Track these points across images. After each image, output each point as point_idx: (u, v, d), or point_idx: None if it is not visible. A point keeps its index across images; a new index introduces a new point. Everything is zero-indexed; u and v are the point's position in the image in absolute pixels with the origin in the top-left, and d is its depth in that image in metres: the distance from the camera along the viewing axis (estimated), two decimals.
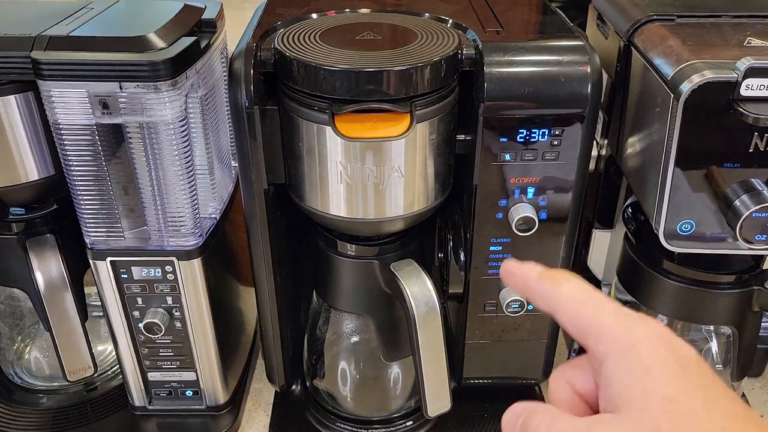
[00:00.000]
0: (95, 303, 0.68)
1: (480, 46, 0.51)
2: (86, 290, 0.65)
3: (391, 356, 0.64)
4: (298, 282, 0.68)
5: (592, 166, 0.57)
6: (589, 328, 0.25)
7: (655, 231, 0.53)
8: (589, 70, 0.50)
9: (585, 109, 0.51)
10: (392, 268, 0.57)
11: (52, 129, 0.53)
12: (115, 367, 0.75)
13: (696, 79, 0.45)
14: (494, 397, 0.71)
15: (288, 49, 0.49)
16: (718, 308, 0.59)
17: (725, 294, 0.58)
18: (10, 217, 0.63)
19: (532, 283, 0.28)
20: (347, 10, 0.60)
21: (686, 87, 0.45)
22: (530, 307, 0.61)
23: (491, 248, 0.58)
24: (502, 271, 0.31)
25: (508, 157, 0.53)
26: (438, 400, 0.59)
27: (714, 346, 0.67)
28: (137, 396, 0.68)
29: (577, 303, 0.26)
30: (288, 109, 0.51)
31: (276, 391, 0.71)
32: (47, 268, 0.61)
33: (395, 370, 0.69)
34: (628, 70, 0.58)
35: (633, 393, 0.23)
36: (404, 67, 0.47)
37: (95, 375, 0.67)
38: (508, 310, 0.59)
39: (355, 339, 0.67)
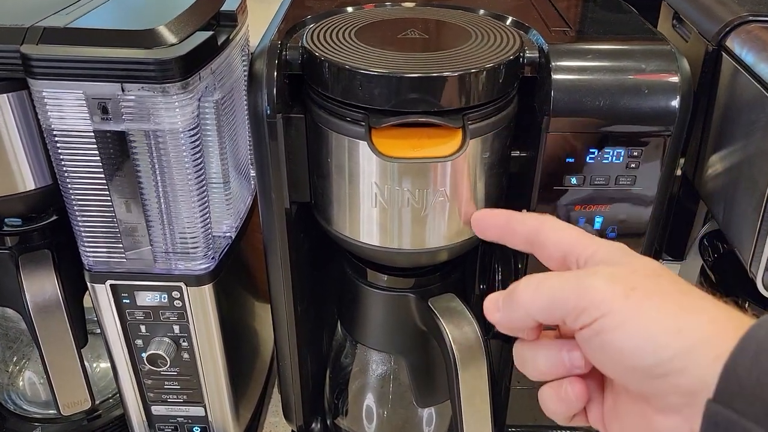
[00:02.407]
0: None
1: (546, 49, 0.43)
2: (87, 303, 0.59)
3: (425, 402, 0.56)
4: (320, 310, 0.61)
5: None
6: (578, 240, 0.31)
7: (751, 274, 0.44)
8: (678, 79, 0.42)
9: (672, 126, 0.42)
10: (430, 304, 0.49)
11: (45, 135, 0.46)
12: None
13: None
14: None
15: (318, 48, 0.42)
16: None
17: None
18: (5, 229, 0.56)
19: (516, 216, 0.35)
20: (388, 3, 0.52)
21: None
22: None
23: None
24: (476, 217, 0.38)
25: (574, 180, 0.44)
26: None
27: None
28: (139, 431, 0.61)
29: (565, 226, 0.33)
30: (316, 119, 0.43)
31: (293, 430, 0.63)
32: (40, 288, 0.54)
33: (428, 412, 0.61)
34: (715, 78, 0.50)
35: (619, 263, 0.29)
36: (457, 73, 0.39)
37: (98, 402, 0.61)
38: None
39: (383, 376, 0.60)
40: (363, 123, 0.40)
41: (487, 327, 0.55)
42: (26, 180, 0.51)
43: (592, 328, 0.27)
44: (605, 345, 0.26)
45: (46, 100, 0.44)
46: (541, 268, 0.49)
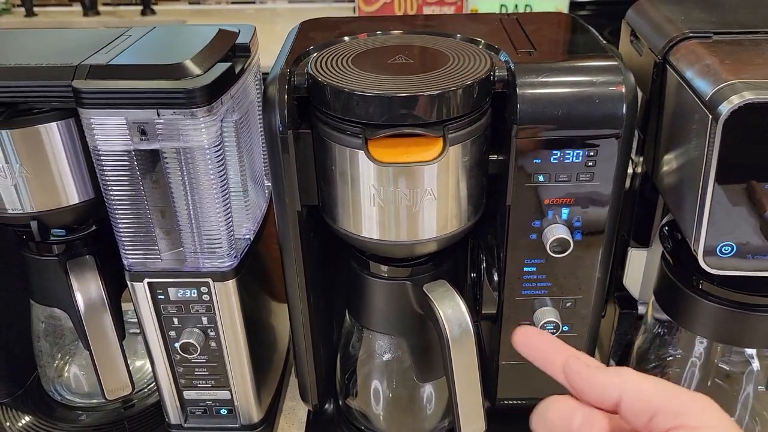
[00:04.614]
0: (132, 320, 0.69)
1: (512, 68, 0.51)
2: (123, 306, 0.67)
3: (424, 377, 0.64)
4: (331, 301, 0.69)
5: (627, 183, 0.56)
6: (668, 405, 0.28)
7: (694, 253, 0.52)
8: (623, 90, 0.49)
9: (620, 129, 0.50)
10: (425, 290, 0.57)
11: (92, 155, 0.54)
12: (152, 385, 0.76)
13: (735, 101, 0.44)
14: (529, 418, 0.70)
15: (321, 74, 0.50)
16: (761, 331, 0.57)
17: None
18: (52, 238, 0.65)
19: (586, 374, 0.30)
20: (378, 32, 0.60)
21: (725, 108, 0.45)
22: (565, 329, 0.60)
23: (525, 269, 0.57)
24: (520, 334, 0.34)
25: (541, 178, 0.52)
26: (472, 423, 0.58)
27: (756, 366, 0.65)
28: (173, 414, 0.69)
29: (650, 386, 0.29)
30: (321, 134, 0.51)
31: (309, 410, 0.71)
32: (87, 288, 0.62)
33: (429, 389, 0.68)
34: (663, 88, 0.57)
35: None
36: (437, 92, 0.47)
37: (133, 392, 0.68)
38: None
39: (388, 358, 0.67)
40: (360, 135, 0.48)
41: (477, 310, 0.63)
42: (70, 195, 0.59)
43: None
44: None
45: (93, 126, 0.52)
46: (518, 255, 0.57)
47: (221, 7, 2.16)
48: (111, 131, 0.52)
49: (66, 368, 0.75)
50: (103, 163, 0.54)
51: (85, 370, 0.74)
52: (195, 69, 0.53)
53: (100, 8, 2.10)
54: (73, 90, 0.51)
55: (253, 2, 2.16)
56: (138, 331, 0.65)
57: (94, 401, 0.74)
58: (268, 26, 1.94)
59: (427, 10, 1.77)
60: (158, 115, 0.52)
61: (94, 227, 0.66)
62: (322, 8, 2.09)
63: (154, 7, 2.09)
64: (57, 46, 0.59)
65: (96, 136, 0.53)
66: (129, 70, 0.53)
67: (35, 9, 2.09)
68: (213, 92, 0.52)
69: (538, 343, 0.33)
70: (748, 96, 0.44)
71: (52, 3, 2.16)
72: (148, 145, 0.53)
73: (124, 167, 0.54)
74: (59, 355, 0.74)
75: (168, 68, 0.53)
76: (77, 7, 2.11)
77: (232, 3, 2.16)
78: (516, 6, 1.65)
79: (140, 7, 2.06)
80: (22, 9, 2.08)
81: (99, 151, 0.54)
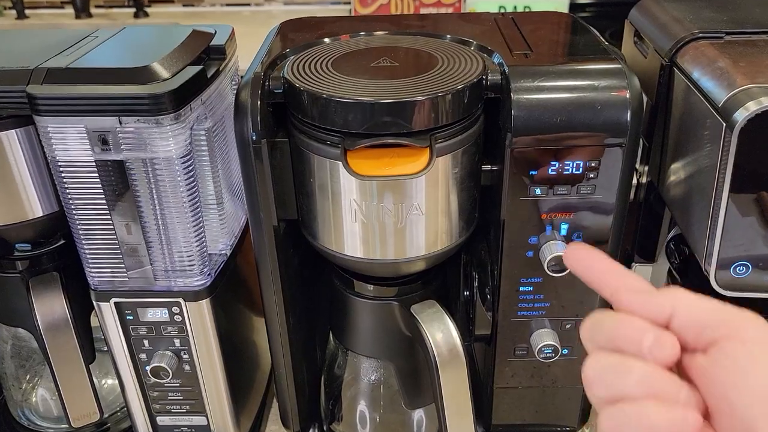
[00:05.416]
0: None
1: (506, 71, 0.47)
2: (95, 322, 0.62)
3: (413, 403, 0.60)
4: (313, 321, 0.64)
5: (631, 194, 0.52)
6: (716, 318, 0.28)
7: (705, 271, 0.47)
8: (628, 95, 0.45)
9: (624, 137, 0.46)
10: (413, 311, 0.53)
11: (51, 166, 0.50)
12: None
13: (752, 107, 0.40)
14: None
15: (298, 78, 0.46)
16: None
17: None
18: (16, 253, 0.60)
19: (638, 301, 0.29)
20: (362, 33, 0.56)
21: (742, 115, 0.40)
22: (565, 352, 0.55)
23: (521, 288, 0.53)
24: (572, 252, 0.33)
25: (538, 191, 0.48)
26: None
27: None
28: None
29: (701, 302, 0.29)
30: (298, 143, 0.47)
31: None
32: (50, 308, 0.58)
33: (418, 415, 0.64)
34: (670, 92, 0.53)
35: None
36: (423, 98, 0.43)
37: (103, 417, 0.64)
38: (541, 355, 0.54)
39: (374, 382, 0.63)
40: (339, 146, 0.44)
41: (470, 330, 0.58)
42: (34, 208, 0.55)
43: (734, 347, 0.27)
44: (748, 366, 0.26)
45: (50, 135, 0.48)
46: (514, 273, 0.52)
47: (215, 9, 2.12)
48: (70, 140, 0.48)
49: (34, 391, 0.70)
50: (63, 174, 0.50)
51: (53, 393, 0.70)
52: (162, 72, 0.49)
53: (93, 10, 2.06)
54: (27, 95, 0.47)
55: (248, 4, 2.12)
56: None
57: (64, 426, 0.69)
58: (263, 28, 1.89)
59: (425, 12, 1.72)
60: (120, 122, 0.48)
61: (62, 241, 0.62)
62: (319, 10, 2.05)
63: (147, 9, 2.05)
64: (18, 47, 0.55)
65: (54, 146, 0.49)
66: (90, 73, 0.49)
67: (27, 11, 2.05)
68: (181, 98, 0.48)
69: (589, 264, 0.32)
70: (767, 102, 0.40)
71: (44, 5, 2.13)
72: (111, 156, 0.49)
73: (86, 179, 0.50)
74: (27, 378, 0.70)
75: (133, 72, 0.48)
76: (69, 10, 2.08)
77: (227, 5, 2.12)
78: (515, 7, 1.60)
79: (133, 9, 2.02)
80: (14, 11, 2.04)
81: (58, 162, 0.49)
